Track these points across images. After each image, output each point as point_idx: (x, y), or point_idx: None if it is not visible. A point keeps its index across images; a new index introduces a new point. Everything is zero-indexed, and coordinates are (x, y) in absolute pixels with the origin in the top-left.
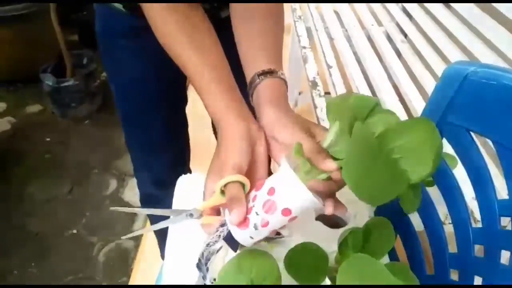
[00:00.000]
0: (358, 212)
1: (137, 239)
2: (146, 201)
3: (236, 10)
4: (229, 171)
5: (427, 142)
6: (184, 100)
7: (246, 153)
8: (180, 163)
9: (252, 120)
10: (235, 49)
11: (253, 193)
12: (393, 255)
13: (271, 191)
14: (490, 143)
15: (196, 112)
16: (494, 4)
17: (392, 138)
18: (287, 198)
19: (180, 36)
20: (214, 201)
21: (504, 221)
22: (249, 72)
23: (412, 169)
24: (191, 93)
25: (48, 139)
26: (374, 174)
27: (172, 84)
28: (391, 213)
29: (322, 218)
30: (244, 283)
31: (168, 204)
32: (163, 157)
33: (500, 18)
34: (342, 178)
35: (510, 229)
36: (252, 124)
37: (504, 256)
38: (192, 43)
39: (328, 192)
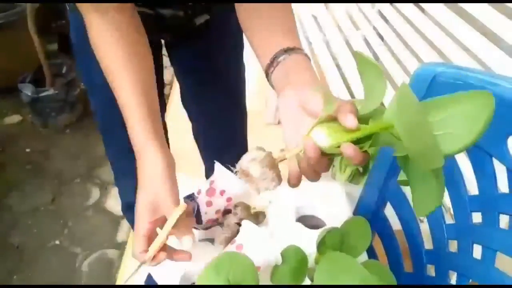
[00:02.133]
0: (337, 213)
1: (121, 248)
2: (128, 210)
3: (240, 9)
4: (170, 207)
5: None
6: (162, 107)
7: (175, 181)
8: None
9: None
10: (210, 57)
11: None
12: (372, 254)
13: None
14: None
15: (176, 118)
16: (466, 8)
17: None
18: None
19: (115, 49)
20: (158, 244)
21: (476, 216)
22: (270, 50)
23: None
24: (172, 101)
25: (28, 150)
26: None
27: None
28: (370, 213)
29: (302, 219)
30: (222, 284)
31: None
32: None
33: (472, 21)
34: (350, 157)
35: (481, 223)
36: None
37: (477, 250)
38: (124, 56)
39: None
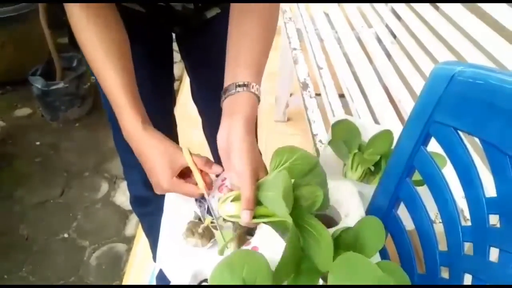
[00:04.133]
0: (350, 212)
1: (129, 242)
2: (136, 203)
3: (232, 13)
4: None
5: None
6: (172, 102)
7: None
8: None
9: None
10: (220, 52)
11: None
12: (384, 254)
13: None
14: (478, 141)
15: (185, 113)
16: (481, 5)
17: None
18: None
19: (99, 46)
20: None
21: (493, 218)
22: (229, 78)
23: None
24: (181, 96)
25: (38, 143)
26: None
27: (161, 86)
28: (382, 213)
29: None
30: (236, 282)
31: (158, 205)
32: None
33: (487, 19)
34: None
35: (498, 226)
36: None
37: (493, 253)
38: (108, 55)
39: None
